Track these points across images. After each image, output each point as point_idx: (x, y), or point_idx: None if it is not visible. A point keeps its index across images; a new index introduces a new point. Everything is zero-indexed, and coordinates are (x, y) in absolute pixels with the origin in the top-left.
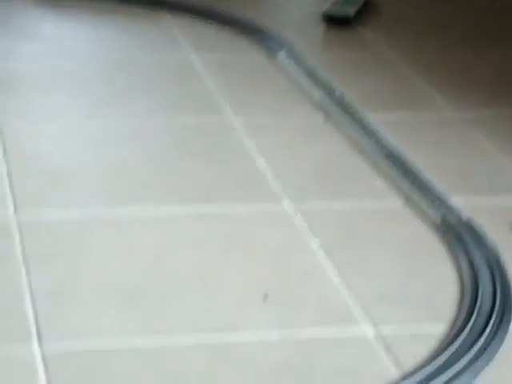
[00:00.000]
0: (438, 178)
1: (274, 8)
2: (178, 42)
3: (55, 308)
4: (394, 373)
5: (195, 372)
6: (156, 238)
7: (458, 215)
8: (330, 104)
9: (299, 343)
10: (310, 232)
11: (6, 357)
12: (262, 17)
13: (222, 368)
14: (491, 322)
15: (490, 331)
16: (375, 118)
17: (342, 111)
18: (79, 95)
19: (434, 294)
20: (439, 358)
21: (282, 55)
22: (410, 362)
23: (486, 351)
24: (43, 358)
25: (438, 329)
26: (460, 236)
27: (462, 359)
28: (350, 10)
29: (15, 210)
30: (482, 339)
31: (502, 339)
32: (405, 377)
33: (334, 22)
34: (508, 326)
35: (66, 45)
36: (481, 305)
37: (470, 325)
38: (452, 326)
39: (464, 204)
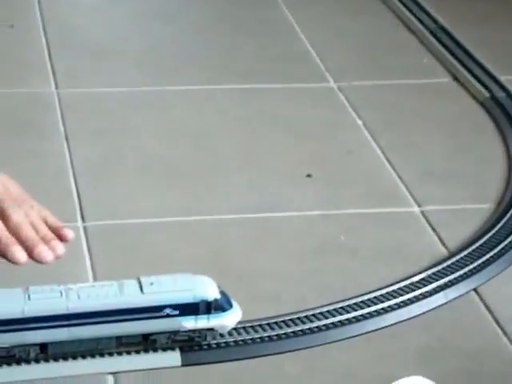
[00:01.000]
0: (486, 54)
1: None
2: None
3: (97, 184)
4: (440, 250)
5: (237, 244)
6: (198, 116)
7: (507, 91)
8: None
9: (343, 220)
10: (355, 110)
11: None
12: None
13: (265, 242)
14: None
15: None
16: None
17: None
18: None
19: (481, 172)
20: (484, 237)
21: None
22: (455, 241)
23: None
24: (85, 231)
25: (483, 207)
26: (508, 112)
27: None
28: None
29: (56, 86)
30: None
31: None
32: (451, 255)
33: None
34: None
35: None
36: None
37: None
38: (499, 204)
39: None
